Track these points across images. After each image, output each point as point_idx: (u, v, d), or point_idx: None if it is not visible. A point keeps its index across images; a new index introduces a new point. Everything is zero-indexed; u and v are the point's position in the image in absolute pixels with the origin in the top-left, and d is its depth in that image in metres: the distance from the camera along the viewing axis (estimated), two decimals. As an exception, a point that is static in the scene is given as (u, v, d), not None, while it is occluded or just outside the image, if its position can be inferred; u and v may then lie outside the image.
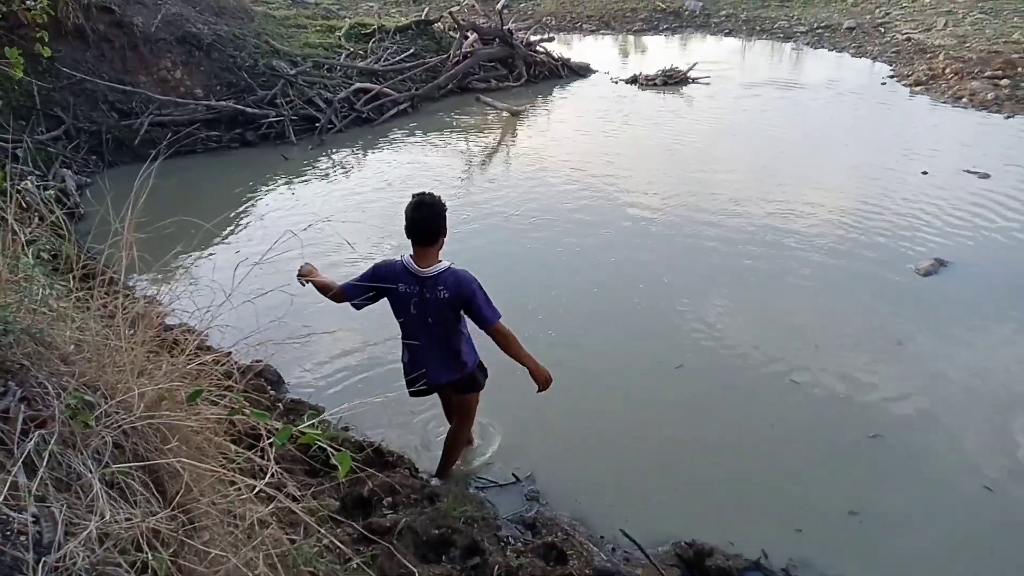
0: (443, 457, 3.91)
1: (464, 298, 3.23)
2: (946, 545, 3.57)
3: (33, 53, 6.02)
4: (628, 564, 3.34)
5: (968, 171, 8.22)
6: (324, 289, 3.38)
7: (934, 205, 7.39)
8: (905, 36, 14.97)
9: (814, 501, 3.81)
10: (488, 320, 3.25)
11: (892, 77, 12.90)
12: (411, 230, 3.19)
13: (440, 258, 3.29)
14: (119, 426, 1.61)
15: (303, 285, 3.40)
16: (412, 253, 3.27)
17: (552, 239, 6.96)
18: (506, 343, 3.32)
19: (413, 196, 3.23)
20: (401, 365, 3.54)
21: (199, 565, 1.59)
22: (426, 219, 3.17)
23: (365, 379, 4.81)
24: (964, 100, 11.15)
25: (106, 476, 1.50)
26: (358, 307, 3.38)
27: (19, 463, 1.36)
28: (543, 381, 3.39)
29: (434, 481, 3.83)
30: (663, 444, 4.27)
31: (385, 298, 3.37)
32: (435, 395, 3.86)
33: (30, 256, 2.12)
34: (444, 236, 3.25)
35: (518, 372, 3.76)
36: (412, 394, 3.58)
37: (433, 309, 3.26)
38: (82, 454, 1.49)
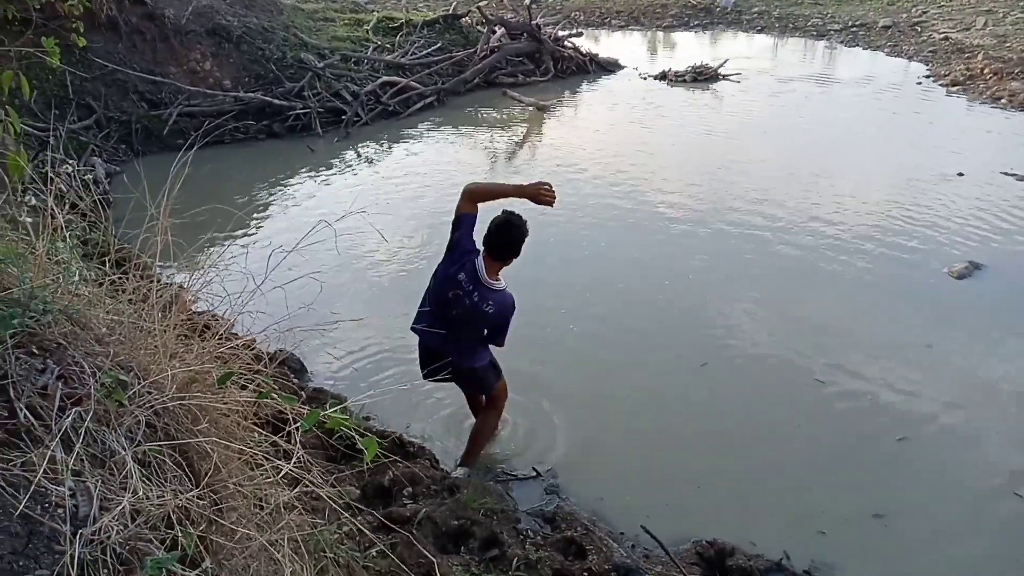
0: (469, 445, 3.94)
1: (499, 323, 3.44)
2: (973, 551, 3.51)
3: (68, 44, 6.13)
4: (648, 561, 3.32)
5: (1006, 173, 8.04)
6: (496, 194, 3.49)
7: (969, 207, 7.24)
8: (942, 35, 14.66)
9: (838, 503, 3.76)
10: (500, 345, 3.57)
11: (928, 77, 12.65)
12: (493, 244, 3.30)
13: (500, 277, 3.42)
14: (151, 406, 1.64)
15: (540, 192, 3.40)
16: (483, 256, 3.36)
17: (577, 234, 6.93)
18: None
19: (503, 212, 3.32)
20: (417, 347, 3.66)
21: (226, 544, 1.62)
22: (512, 238, 3.28)
23: (388, 369, 4.84)
24: (1003, 101, 10.89)
25: (138, 454, 1.52)
26: (459, 225, 3.42)
27: (57, 439, 1.39)
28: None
29: (458, 471, 3.85)
30: (686, 441, 4.25)
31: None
32: (458, 388, 3.90)
33: (68, 240, 2.16)
34: (516, 257, 3.37)
35: (539, 367, 3.77)
36: (425, 376, 3.65)
37: (469, 312, 3.38)
38: (116, 432, 1.52)
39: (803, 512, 3.72)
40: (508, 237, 3.28)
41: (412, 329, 3.56)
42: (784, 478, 3.96)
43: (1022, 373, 4.77)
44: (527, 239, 3.35)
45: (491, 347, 3.64)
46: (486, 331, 3.50)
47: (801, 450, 4.18)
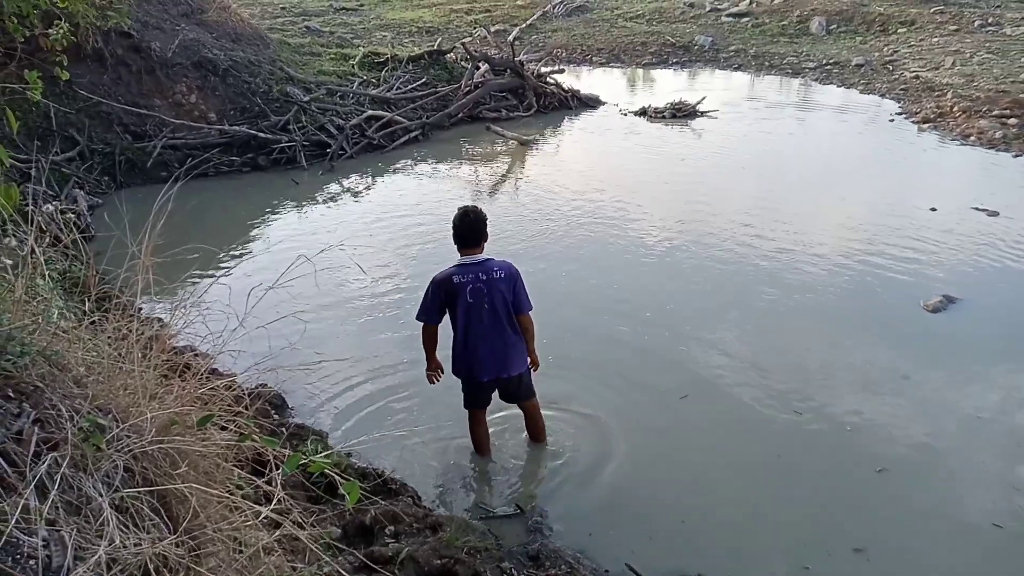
0: (535, 431, 4.30)
1: (514, 277, 3.81)
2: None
3: (51, 76, 6.13)
4: (632, 600, 3.29)
5: (976, 208, 8.23)
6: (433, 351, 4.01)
7: (942, 242, 7.39)
8: (913, 74, 15.09)
9: (821, 536, 3.77)
10: (525, 306, 3.89)
11: (900, 114, 12.98)
12: (461, 235, 3.78)
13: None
14: (130, 450, 1.62)
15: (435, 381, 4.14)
16: (460, 254, 3.83)
17: (557, 266, 6.98)
18: (529, 333, 3.98)
19: (458, 209, 3.84)
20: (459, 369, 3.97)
21: (204, 592, 1.58)
22: (474, 223, 3.78)
23: (369, 405, 4.81)
24: (972, 138, 11.19)
25: (116, 500, 1.50)
26: (439, 321, 3.91)
27: (31, 486, 1.36)
28: (536, 366, 4.17)
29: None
30: (668, 475, 4.24)
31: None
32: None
33: (47, 278, 2.14)
34: (486, 240, 3.83)
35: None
36: (476, 403, 4.08)
37: (493, 292, 3.74)
38: (93, 477, 1.49)
39: (786, 546, 3.71)
40: (469, 223, 3.76)
41: (477, 383, 3.94)
42: (766, 511, 3.96)
43: (996, 404, 4.83)
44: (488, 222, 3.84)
45: (521, 317, 3.93)
46: (511, 304, 3.82)
47: (782, 482, 4.19)
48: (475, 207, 3.83)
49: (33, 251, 2.13)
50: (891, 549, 3.66)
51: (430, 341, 3.97)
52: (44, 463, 1.43)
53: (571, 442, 4.46)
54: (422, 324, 3.91)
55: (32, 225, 2.12)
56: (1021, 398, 4.89)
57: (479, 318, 3.75)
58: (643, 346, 5.57)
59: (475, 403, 4.13)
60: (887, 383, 5.07)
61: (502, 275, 3.75)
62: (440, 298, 3.79)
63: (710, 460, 4.35)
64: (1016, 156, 10.36)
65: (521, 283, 3.83)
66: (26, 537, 1.29)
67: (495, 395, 4.15)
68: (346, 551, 3.00)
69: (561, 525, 3.84)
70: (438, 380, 4.10)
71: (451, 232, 3.83)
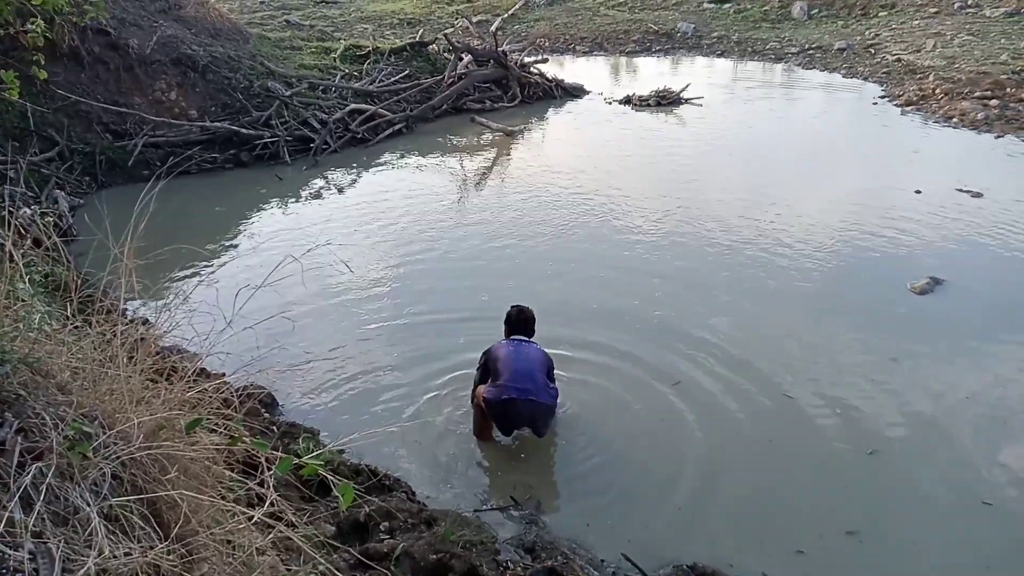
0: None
1: (550, 358, 4.35)
2: (945, 561, 3.56)
3: (28, 75, 6.01)
4: (629, 589, 3.30)
5: (961, 190, 8.29)
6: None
7: (928, 224, 7.44)
8: (895, 57, 15.15)
9: (814, 521, 3.79)
10: (553, 380, 4.39)
11: (883, 97, 13.03)
12: (517, 327, 4.42)
13: None
14: (118, 457, 1.58)
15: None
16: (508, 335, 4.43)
17: (544, 254, 6.96)
18: None
19: (513, 307, 4.51)
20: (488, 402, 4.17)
21: (198, 599, 1.56)
22: (528, 320, 4.45)
23: (360, 401, 4.77)
24: (955, 120, 11.26)
25: (104, 509, 1.47)
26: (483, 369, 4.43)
27: (16, 498, 1.33)
28: None
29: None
30: (662, 464, 4.25)
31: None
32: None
33: (27, 283, 2.10)
34: (533, 335, 4.46)
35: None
36: (506, 429, 4.31)
37: (531, 349, 4.30)
38: (80, 487, 1.46)
39: (780, 531, 3.74)
40: (526, 319, 4.43)
41: (505, 400, 4.13)
42: (759, 496, 3.99)
43: (984, 384, 4.88)
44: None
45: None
46: (545, 367, 4.31)
47: (775, 467, 4.21)
48: (528, 307, 4.50)
49: (11, 256, 2.08)
50: (883, 530, 3.70)
51: (478, 397, 4.32)
52: (28, 474, 1.40)
53: (566, 433, 4.46)
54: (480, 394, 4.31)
55: (9, 229, 2.07)
56: (1009, 378, 4.94)
57: (515, 356, 4.21)
58: (633, 332, 5.57)
59: (497, 423, 4.27)
60: (876, 365, 5.11)
61: (539, 347, 4.34)
62: (486, 357, 4.31)
63: (704, 447, 4.36)
64: (998, 137, 10.44)
65: (552, 367, 4.34)
66: (11, 551, 1.26)
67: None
68: (341, 548, 2.98)
69: (557, 516, 3.84)
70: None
71: (503, 321, 4.45)
